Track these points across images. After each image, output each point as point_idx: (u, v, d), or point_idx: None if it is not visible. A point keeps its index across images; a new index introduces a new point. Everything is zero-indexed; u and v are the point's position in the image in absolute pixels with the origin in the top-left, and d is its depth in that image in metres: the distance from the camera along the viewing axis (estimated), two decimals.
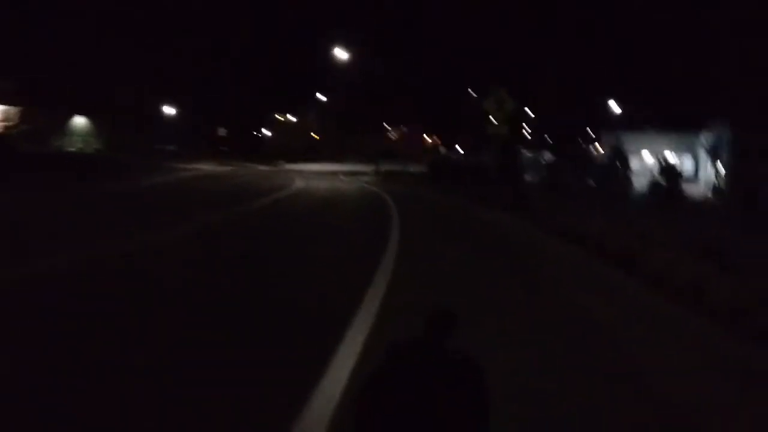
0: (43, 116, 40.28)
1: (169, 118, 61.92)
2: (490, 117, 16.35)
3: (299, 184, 24.39)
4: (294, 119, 69.62)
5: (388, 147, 67.95)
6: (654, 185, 32.69)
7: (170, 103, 61.44)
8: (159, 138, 56.71)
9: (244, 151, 63.29)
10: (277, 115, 70.72)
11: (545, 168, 41.08)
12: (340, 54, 34.25)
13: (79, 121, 44.91)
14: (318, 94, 62.18)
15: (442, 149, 74.62)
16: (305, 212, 13.95)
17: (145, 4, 53.97)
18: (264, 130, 69.49)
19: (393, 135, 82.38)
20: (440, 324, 3.09)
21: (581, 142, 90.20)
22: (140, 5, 52.52)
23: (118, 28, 48.32)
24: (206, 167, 37.75)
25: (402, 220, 12.21)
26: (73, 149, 41.21)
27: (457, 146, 79.14)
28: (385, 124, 78.87)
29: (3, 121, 39.09)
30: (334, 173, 40.80)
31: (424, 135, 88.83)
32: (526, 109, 66.55)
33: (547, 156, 58.12)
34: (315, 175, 35.08)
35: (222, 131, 64.64)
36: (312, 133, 72.19)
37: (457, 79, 70.32)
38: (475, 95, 72.43)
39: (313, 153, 67.91)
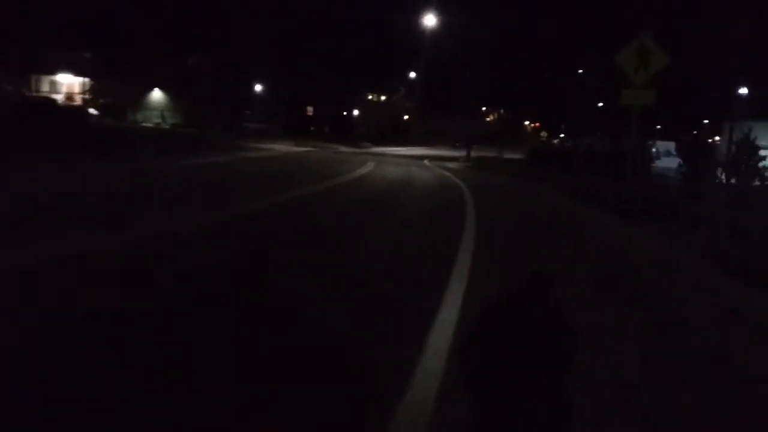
0: (121, 89, 38.23)
1: (258, 95, 59.37)
2: (630, 77, 10.84)
3: (365, 170, 20.11)
4: (384, 98, 65.31)
5: (483, 130, 62.43)
6: None
7: (261, 81, 58.78)
8: (245, 115, 54.33)
9: (333, 130, 59.84)
10: (369, 95, 66.70)
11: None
12: (429, 21, 29.31)
13: (157, 95, 42.72)
14: (411, 72, 57.45)
15: (544, 134, 68.17)
16: (332, 218, 9.51)
17: None
18: (355, 111, 65.66)
19: (490, 118, 76.49)
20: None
21: (699, 131, 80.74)
22: None
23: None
24: (281, 147, 34.26)
25: (476, 246, 7.42)
26: (149, 124, 39.03)
27: (561, 134, 72.38)
28: (482, 107, 73.21)
29: (81, 93, 37.31)
30: (419, 158, 36.12)
31: (526, 121, 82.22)
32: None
33: (664, 146, 49.36)
34: (394, 160, 30.56)
35: (310, 110, 61.24)
36: (403, 114, 67.71)
37: (565, 56, 63.54)
38: (583, 72, 65.42)
39: (402, 135, 63.48)
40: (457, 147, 52.03)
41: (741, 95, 54.03)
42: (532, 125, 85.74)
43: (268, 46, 48.56)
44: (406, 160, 31.06)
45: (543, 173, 23.23)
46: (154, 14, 39.31)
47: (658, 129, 71.79)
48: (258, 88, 59.22)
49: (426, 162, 30.25)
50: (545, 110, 66.17)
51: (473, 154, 37.31)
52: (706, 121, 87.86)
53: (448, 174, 20.78)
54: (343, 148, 45.57)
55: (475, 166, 27.09)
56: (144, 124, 39.34)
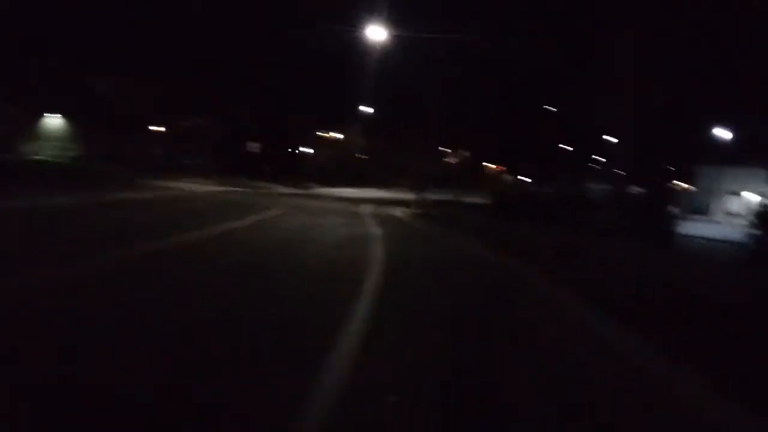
0: (7, 116, 30.84)
1: (196, 128, 52.10)
2: None
3: (253, 220, 13.05)
4: (340, 136, 58.44)
5: (443, 173, 56.07)
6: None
7: (197, 114, 51.60)
8: (181, 149, 47.15)
9: (277, 169, 52.67)
10: (319, 132, 59.84)
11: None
12: (376, 35, 22.62)
13: (53, 122, 35.24)
14: (367, 108, 50.84)
15: (507, 177, 62.10)
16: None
17: None
18: (306, 149, 58.64)
19: (452, 159, 70.44)
20: None
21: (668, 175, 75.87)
22: None
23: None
24: (193, 187, 27.10)
25: None
26: (42, 157, 31.67)
27: (522, 176, 66.53)
28: (441, 147, 67.05)
29: None
30: (363, 201, 29.17)
31: (485, 163, 76.46)
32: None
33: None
34: (323, 205, 23.54)
35: (254, 146, 53.99)
36: (358, 154, 61.01)
37: (528, 96, 58.10)
38: (553, 110, 59.92)
39: (358, 175, 56.58)
40: (414, 189, 45.49)
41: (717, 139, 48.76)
42: (495, 167, 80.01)
43: (197, 72, 41.56)
44: (341, 205, 24.00)
45: (516, 224, 16.35)
46: (54, 27, 32.01)
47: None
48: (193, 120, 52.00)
49: (364, 209, 23.16)
50: (511, 150, 60.32)
51: (430, 197, 30.50)
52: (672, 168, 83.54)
53: (376, 232, 13.50)
54: (281, 189, 38.48)
55: (425, 216, 20.13)
56: (37, 157, 31.90)
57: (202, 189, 26.75)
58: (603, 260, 9.94)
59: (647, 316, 5.70)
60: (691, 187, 52.26)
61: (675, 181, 68.09)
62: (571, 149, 71.08)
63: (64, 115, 35.42)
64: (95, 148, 33.99)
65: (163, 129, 50.35)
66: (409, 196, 35.75)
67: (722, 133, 47.62)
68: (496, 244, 11.09)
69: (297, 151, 57.04)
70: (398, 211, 23.22)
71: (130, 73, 37.30)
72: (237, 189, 30.79)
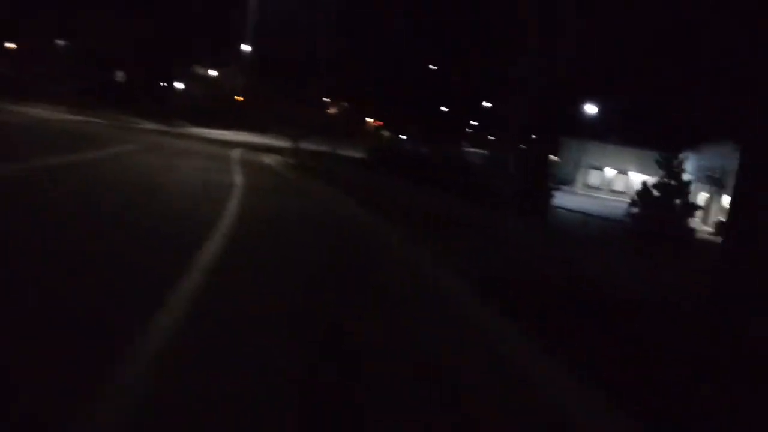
0: None
1: (51, 49, 46.66)
2: None
3: (101, 154, 11.45)
4: (215, 74, 54.91)
5: (323, 122, 54.82)
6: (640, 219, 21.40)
7: (64, 36, 46.21)
8: (30, 71, 42.05)
9: (145, 102, 48.71)
10: (197, 68, 55.93)
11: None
12: None
13: None
14: (245, 45, 47.94)
15: (386, 133, 62.07)
16: None
17: None
18: (178, 84, 54.57)
19: (332, 110, 69.14)
20: None
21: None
22: None
23: None
24: (40, 112, 24.08)
25: None
26: None
27: (401, 134, 67.02)
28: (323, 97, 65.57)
29: None
30: (234, 145, 27.55)
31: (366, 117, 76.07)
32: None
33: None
34: (187, 145, 21.89)
35: (120, 76, 49.39)
36: (236, 96, 57.84)
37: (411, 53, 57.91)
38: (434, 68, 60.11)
39: (234, 117, 53.71)
40: (291, 137, 43.74)
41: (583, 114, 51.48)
42: (375, 122, 79.90)
43: None
44: (209, 148, 22.34)
45: (387, 182, 15.94)
46: None
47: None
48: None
49: (234, 153, 21.69)
50: (391, 106, 60.13)
51: (306, 147, 29.44)
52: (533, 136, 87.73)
53: (241, 181, 12.45)
54: (147, 125, 35.47)
55: (299, 167, 19.11)
56: None
57: (53, 117, 23.82)
58: (475, 228, 9.73)
59: (512, 296, 5.33)
60: (557, 158, 54.83)
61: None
62: (449, 111, 72.45)
63: None
64: None
65: (12, 45, 44.64)
66: (285, 144, 34.43)
67: (590, 109, 50.25)
68: (366, 202, 10.49)
69: (169, 86, 52.97)
70: (272, 160, 22.01)
71: None
72: (96, 120, 27.83)
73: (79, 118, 26.51)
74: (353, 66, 55.49)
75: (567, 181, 46.40)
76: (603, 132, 52.48)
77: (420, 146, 29.00)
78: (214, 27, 49.35)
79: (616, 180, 51.09)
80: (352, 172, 19.93)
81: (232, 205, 8.29)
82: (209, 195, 9.27)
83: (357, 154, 32.93)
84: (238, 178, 11.88)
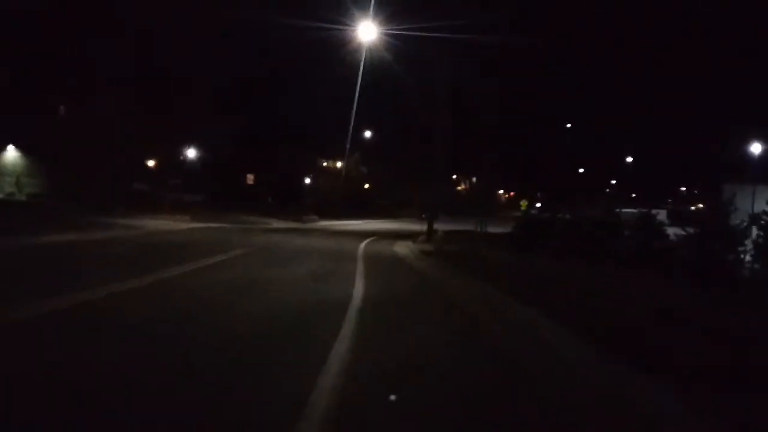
0: None
1: (192, 163, 47.73)
2: None
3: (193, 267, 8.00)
4: (339, 164, 53.65)
5: (452, 199, 51.22)
6: None
7: (194, 146, 47.28)
8: (172, 184, 42.89)
9: (276, 201, 48.15)
10: (323, 161, 55.22)
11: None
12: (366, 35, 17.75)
13: (12, 155, 30.59)
14: (367, 132, 46.18)
15: (524, 203, 56.87)
16: None
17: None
18: (306, 179, 53.90)
19: (461, 186, 65.61)
20: None
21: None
22: None
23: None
24: (160, 224, 22.49)
25: None
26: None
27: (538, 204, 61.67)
28: (451, 174, 62.38)
29: None
30: (366, 235, 24.27)
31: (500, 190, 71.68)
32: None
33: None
34: (311, 243, 18.72)
35: (251, 178, 49.42)
36: (362, 183, 56.18)
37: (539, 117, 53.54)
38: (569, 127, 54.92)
39: (361, 206, 51.67)
40: (424, 219, 40.26)
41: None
42: (506, 194, 75.23)
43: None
44: (332, 243, 19.04)
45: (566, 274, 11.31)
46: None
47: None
48: (190, 153, 47.64)
49: (361, 246, 18.10)
50: (524, 174, 55.42)
51: (440, 228, 25.60)
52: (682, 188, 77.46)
53: (358, 291, 7.63)
54: (276, 223, 33.70)
55: (437, 255, 15.02)
56: None
57: (170, 227, 21.99)
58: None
59: None
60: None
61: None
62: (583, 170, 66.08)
63: (20, 147, 30.62)
64: (63, 182, 29.40)
65: (151, 163, 45.94)
66: (417, 227, 30.96)
67: (755, 148, 42.67)
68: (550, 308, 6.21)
69: (297, 182, 52.27)
70: (405, 249, 18.23)
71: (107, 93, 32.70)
72: (219, 225, 26.02)
73: (204, 224, 24.73)
74: (473, 134, 52.00)
75: None
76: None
77: (574, 212, 23.90)
78: (334, 117, 48.34)
79: None
80: (504, 255, 15.50)
81: (338, 353, 4.35)
82: (298, 326, 5.41)
83: (495, 230, 28.61)
84: (359, 287, 8.02)
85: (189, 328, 5.09)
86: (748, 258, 9.78)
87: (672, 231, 15.60)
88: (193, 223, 25.48)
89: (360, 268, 10.88)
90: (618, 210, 18.04)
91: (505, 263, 12.04)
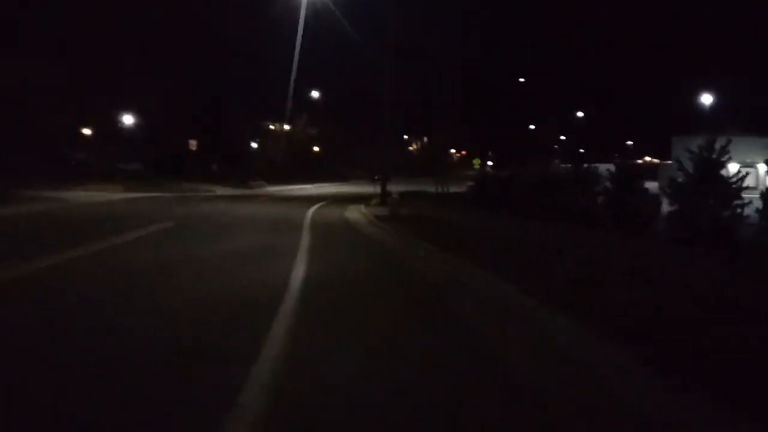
0: None
1: (131, 130, 44.34)
2: None
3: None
4: (287, 127, 51.02)
5: (404, 161, 49.75)
6: None
7: (129, 111, 43.83)
8: (109, 152, 39.90)
9: (221, 168, 45.60)
10: (268, 124, 52.41)
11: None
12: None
13: None
14: (314, 92, 43.73)
15: (476, 162, 55.82)
16: None
17: None
18: (253, 144, 51.17)
19: (413, 146, 64.05)
20: None
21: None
22: None
23: None
24: (84, 195, 20.21)
25: None
26: None
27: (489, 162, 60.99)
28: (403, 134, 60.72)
29: None
30: (315, 200, 22.52)
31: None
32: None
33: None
34: (254, 211, 16.92)
35: (194, 144, 46.37)
36: (311, 145, 53.87)
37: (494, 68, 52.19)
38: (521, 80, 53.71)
39: (311, 170, 49.53)
40: (376, 181, 38.51)
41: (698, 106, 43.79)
42: (457, 153, 74.01)
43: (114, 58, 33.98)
44: (276, 209, 17.25)
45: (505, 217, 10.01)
46: None
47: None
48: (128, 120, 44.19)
49: (308, 213, 16.34)
50: (477, 132, 54.17)
51: (393, 190, 24.03)
52: (629, 142, 77.74)
53: (299, 274, 5.86)
54: (216, 191, 31.55)
55: (392, 219, 13.45)
56: None
57: (99, 198, 19.71)
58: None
59: None
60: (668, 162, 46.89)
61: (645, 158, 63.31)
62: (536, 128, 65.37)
63: None
64: None
65: (88, 131, 42.45)
66: (370, 189, 29.33)
67: (705, 99, 42.76)
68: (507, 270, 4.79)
69: (245, 147, 49.49)
70: (357, 214, 16.61)
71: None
72: (156, 194, 23.79)
73: (134, 195, 22.44)
74: (427, 96, 50.23)
75: None
76: (719, 123, 44.24)
77: (504, 171, 22.72)
78: (278, 77, 45.67)
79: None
80: (467, 218, 14.06)
81: (252, 398, 2.74)
82: (201, 339, 3.77)
83: (456, 189, 27.35)
84: (300, 268, 6.35)
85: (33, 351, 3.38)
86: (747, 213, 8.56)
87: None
88: (126, 193, 23.18)
89: (305, 240, 9.21)
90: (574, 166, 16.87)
91: (473, 228, 10.57)
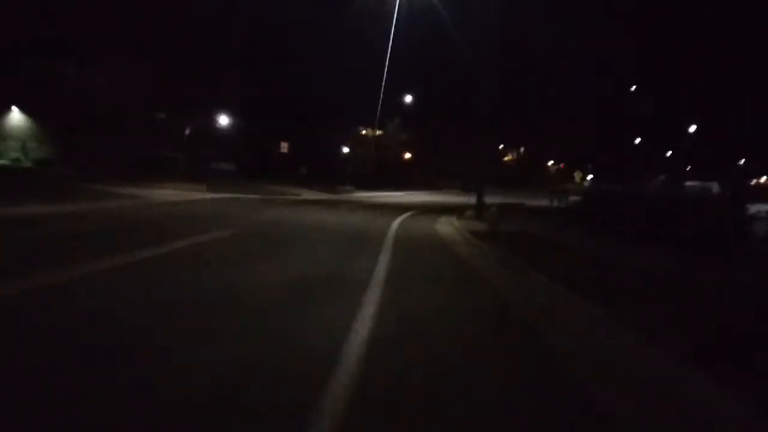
0: None
1: (226, 131, 44.43)
2: None
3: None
4: (379, 132, 49.36)
5: (500, 172, 46.73)
6: None
7: (224, 112, 43.91)
8: (204, 153, 39.98)
9: (311, 172, 44.68)
10: (361, 129, 51.08)
11: None
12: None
13: (17, 118, 27.35)
14: (407, 96, 41.74)
15: (578, 175, 51.73)
16: None
17: None
18: (344, 148, 49.97)
19: (509, 156, 60.64)
20: None
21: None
22: None
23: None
24: (166, 194, 19.25)
25: None
26: (2, 160, 24.20)
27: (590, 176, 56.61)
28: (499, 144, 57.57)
29: None
30: (404, 209, 20.42)
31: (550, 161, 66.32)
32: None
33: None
34: (337, 219, 15.02)
35: (285, 147, 45.68)
36: (402, 151, 51.92)
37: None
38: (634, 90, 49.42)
39: (401, 176, 47.58)
40: (469, 192, 35.67)
41: None
42: (556, 166, 69.74)
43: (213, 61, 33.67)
44: (353, 218, 15.23)
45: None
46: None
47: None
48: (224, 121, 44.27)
49: (398, 223, 14.15)
50: (577, 144, 50.28)
51: (489, 200, 21.40)
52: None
53: (366, 319, 4.37)
54: (305, 195, 30.19)
55: (491, 238, 10.94)
56: None
57: (179, 197, 18.63)
58: None
59: None
60: None
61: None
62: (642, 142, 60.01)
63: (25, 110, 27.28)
64: (75, 148, 26.30)
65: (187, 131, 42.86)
66: (461, 199, 26.90)
67: None
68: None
69: (336, 152, 48.33)
70: (448, 225, 14.25)
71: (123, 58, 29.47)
72: (239, 196, 22.61)
73: (215, 195, 21.30)
74: (521, 105, 47.06)
75: None
76: None
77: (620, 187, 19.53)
78: (371, 83, 44.14)
79: None
80: (586, 242, 11.37)
81: None
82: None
83: (546, 204, 24.64)
84: (365, 323, 4.10)
85: None
86: None
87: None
88: (209, 194, 22.13)
89: (383, 263, 7.02)
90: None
91: (603, 257, 7.96)
